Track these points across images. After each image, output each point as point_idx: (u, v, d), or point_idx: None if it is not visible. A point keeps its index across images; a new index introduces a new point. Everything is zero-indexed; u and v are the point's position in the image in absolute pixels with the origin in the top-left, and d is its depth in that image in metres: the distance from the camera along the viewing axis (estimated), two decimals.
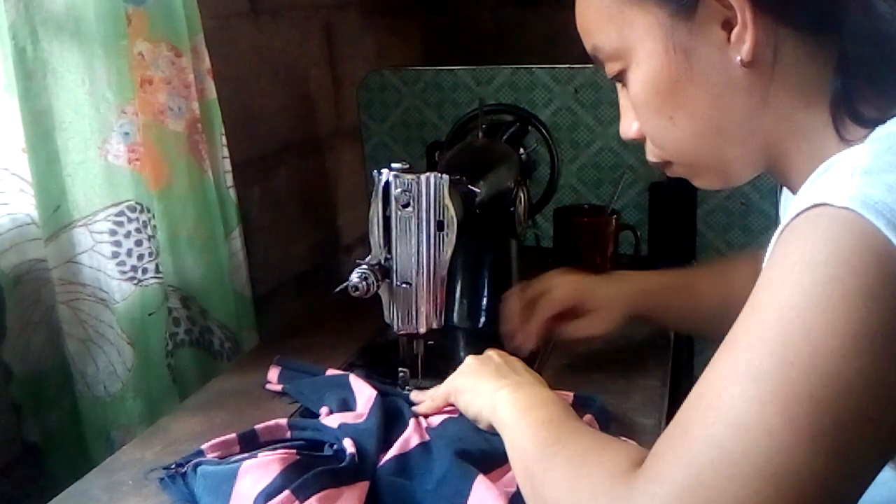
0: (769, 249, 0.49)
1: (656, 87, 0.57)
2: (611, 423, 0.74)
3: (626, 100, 0.62)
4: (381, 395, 0.75)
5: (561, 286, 0.84)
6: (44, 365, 0.84)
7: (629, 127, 0.64)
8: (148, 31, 0.86)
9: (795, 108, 0.54)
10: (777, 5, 0.51)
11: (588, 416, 0.72)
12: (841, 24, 0.50)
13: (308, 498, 0.58)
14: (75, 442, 0.86)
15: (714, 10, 0.52)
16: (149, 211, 0.87)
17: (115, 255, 0.83)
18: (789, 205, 0.54)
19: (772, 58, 0.53)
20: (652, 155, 0.64)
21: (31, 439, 0.84)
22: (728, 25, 0.53)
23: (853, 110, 0.51)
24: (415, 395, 0.77)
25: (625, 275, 0.89)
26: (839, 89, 0.52)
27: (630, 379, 0.83)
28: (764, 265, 0.48)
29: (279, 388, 0.83)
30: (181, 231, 0.93)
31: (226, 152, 0.98)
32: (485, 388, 0.69)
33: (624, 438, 0.62)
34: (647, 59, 0.57)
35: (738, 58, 0.53)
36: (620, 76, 0.60)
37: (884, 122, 0.49)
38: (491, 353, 0.76)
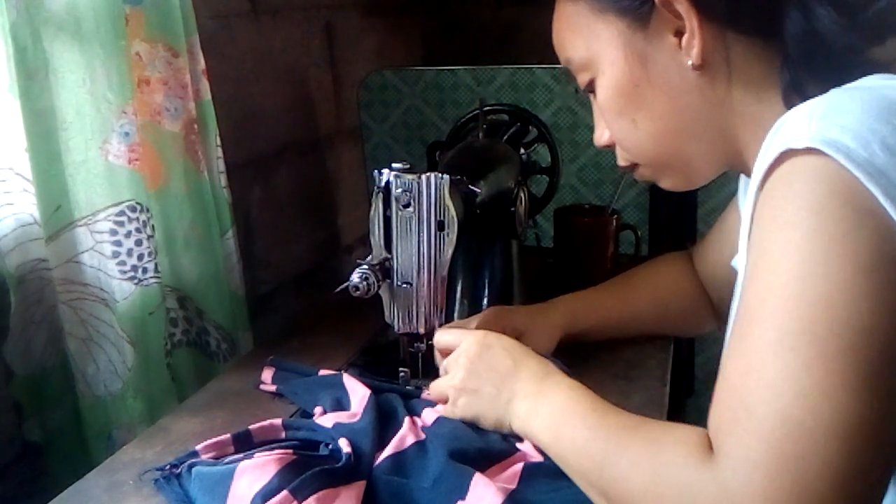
0: (745, 214, 0.54)
1: (618, 91, 0.63)
2: None
3: (597, 110, 0.68)
4: (375, 393, 0.75)
5: (493, 323, 0.80)
6: (46, 364, 0.84)
7: (601, 135, 0.70)
8: (145, 32, 0.86)
9: (748, 102, 0.59)
10: (722, 14, 0.57)
11: None
12: (783, 27, 0.55)
13: (306, 498, 0.58)
14: (76, 441, 0.86)
15: (666, 19, 0.58)
16: (148, 211, 0.87)
17: (116, 254, 0.83)
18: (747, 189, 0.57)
19: (721, 60, 0.58)
20: (621, 159, 0.70)
21: (32, 439, 0.84)
22: (679, 33, 0.58)
23: (804, 96, 0.54)
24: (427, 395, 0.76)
25: (556, 302, 0.88)
26: (787, 81, 0.56)
27: (630, 379, 0.83)
28: (752, 231, 0.51)
29: (273, 388, 0.83)
30: (177, 231, 0.93)
31: (220, 153, 0.98)
32: (489, 391, 0.68)
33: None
34: (610, 67, 0.63)
35: (690, 62, 0.58)
36: (591, 86, 0.66)
37: None
38: (480, 341, 0.71)
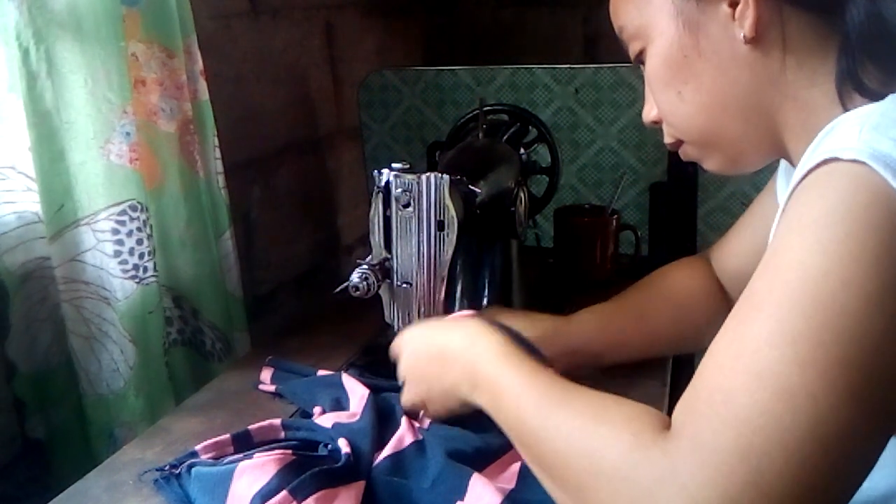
0: (780, 209, 0.50)
1: (666, 60, 0.60)
2: None
3: (648, 83, 0.65)
4: (374, 393, 0.75)
5: None
6: (50, 362, 0.85)
7: (649, 111, 0.67)
8: (141, 32, 0.86)
9: (801, 85, 0.56)
10: None
11: None
12: (845, 5, 0.52)
13: (305, 498, 0.58)
14: (80, 439, 0.87)
15: None
16: (146, 210, 0.87)
17: (118, 253, 0.84)
18: (789, 180, 0.55)
19: (776, 36, 0.55)
20: (667, 135, 0.67)
21: (35, 436, 0.84)
22: (734, 3, 0.55)
23: (859, 84, 0.52)
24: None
25: (566, 322, 0.81)
26: (844, 67, 0.53)
27: (630, 379, 0.83)
28: (779, 223, 0.49)
29: (272, 388, 0.83)
30: (173, 231, 0.93)
31: (218, 153, 0.98)
32: (436, 378, 0.66)
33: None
34: (660, 35, 0.60)
35: (742, 34, 0.55)
36: (641, 56, 0.63)
37: (889, 93, 0.51)
38: (408, 339, 0.71)
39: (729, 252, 0.82)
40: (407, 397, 0.71)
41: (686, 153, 0.67)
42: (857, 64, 0.52)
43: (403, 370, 0.71)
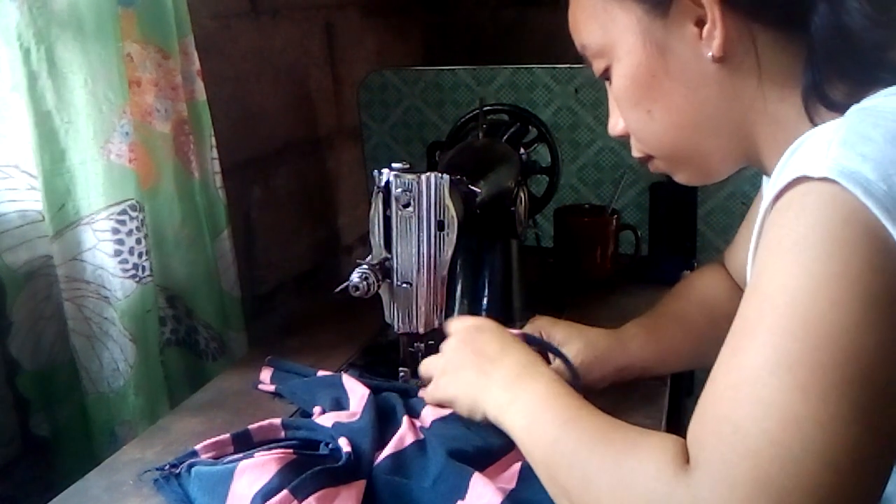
0: (756, 229, 0.51)
1: (634, 80, 0.60)
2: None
3: (612, 98, 0.65)
4: (374, 392, 0.75)
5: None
6: (54, 360, 0.85)
7: (615, 124, 0.67)
8: (137, 33, 0.86)
9: (769, 99, 0.57)
10: (747, 4, 0.54)
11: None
12: (810, 20, 0.52)
13: (306, 497, 0.58)
14: (83, 437, 0.87)
15: (687, 8, 0.55)
16: (143, 210, 0.87)
17: (118, 252, 0.84)
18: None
19: (744, 53, 0.55)
20: (635, 150, 0.67)
21: (39, 433, 0.85)
22: (700, 23, 0.55)
23: (824, 97, 0.53)
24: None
25: (610, 334, 0.80)
26: (810, 81, 0.53)
27: (630, 379, 0.83)
28: (758, 247, 0.49)
29: (272, 388, 0.83)
30: (167, 231, 0.93)
31: (215, 153, 0.98)
32: (469, 375, 0.67)
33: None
34: (627, 55, 0.60)
35: (710, 53, 0.55)
36: (606, 73, 0.63)
37: (855, 103, 0.51)
38: (473, 324, 0.72)
39: (737, 255, 0.83)
40: (434, 394, 0.71)
41: (656, 167, 0.67)
42: (822, 77, 0.53)
43: (451, 342, 0.71)
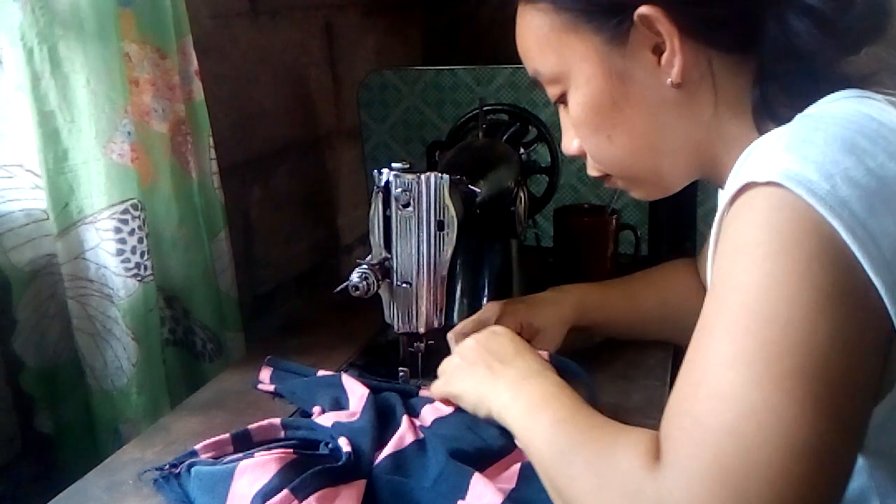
0: (712, 236, 0.53)
1: (594, 108, 0.62)
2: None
3: (567, 119, 0.66)
4: (374, 392, 0.75)
5: (502, 318, 0.81)
6: (59, 358, 0.86)
7: (570, 144, 0.69)
8: (135, 32, 0.86)
9: (724, 119, 0.59)
10: (703, 31, 0.56)
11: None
12: (761, 43, 0.55)
13: (307, 497, 0.58)
14: (87, 435, 0.87)
15: (645, 36, 0.57)
16: (144, 209, 0.87)
17: (120, 251, 0.84)
18: None
19: (700, 77, 0.58)
20: (592, 169, 0.69)
21: (44, 430, 0.85)
22: (658, 50, 0.57)
23: (773, 113, 0.55)
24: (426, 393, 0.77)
25: (561, 291, 0.88)
26: (759, 98, 0.56)
27: (630, 379, 0.83)
28: (716, 252, 0.51)
29: (271, 388, 0.83)
30: (165, 231, 0.93)
31: (213, 154, 0.98)
32: (480, 371, 0.68)
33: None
34: (586, 83, 0.61)
35: (669, 80, 0.57)
36: (562, 98, 0.65)
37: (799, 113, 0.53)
38: (492, 329, 0.74)
39: (704, 257, 0.85)
40: (442, 387, 0.72)
41: (613, 184, 0.69)
42: (769, 93, 0.55)
43: (468, 342, 0.73)
